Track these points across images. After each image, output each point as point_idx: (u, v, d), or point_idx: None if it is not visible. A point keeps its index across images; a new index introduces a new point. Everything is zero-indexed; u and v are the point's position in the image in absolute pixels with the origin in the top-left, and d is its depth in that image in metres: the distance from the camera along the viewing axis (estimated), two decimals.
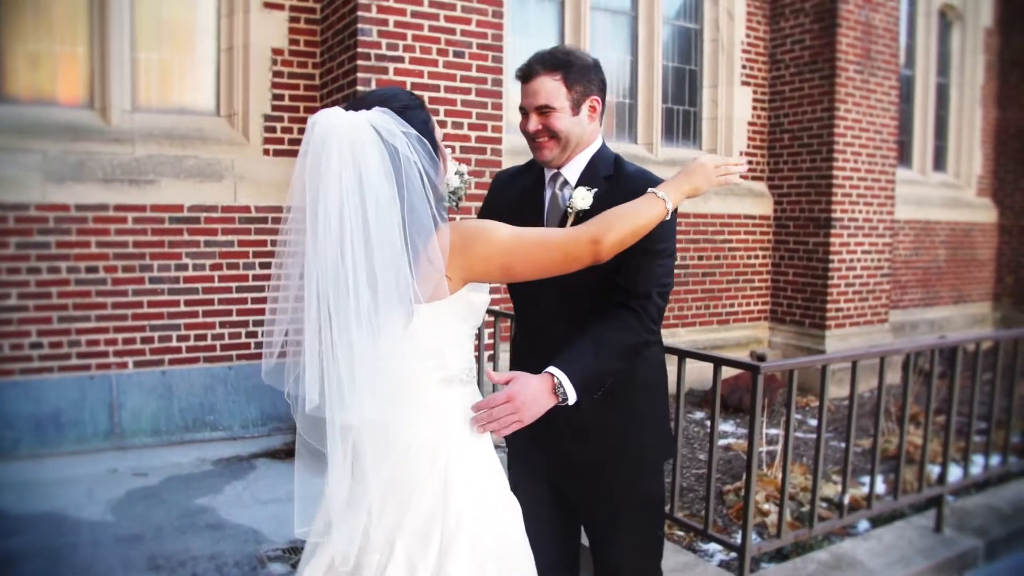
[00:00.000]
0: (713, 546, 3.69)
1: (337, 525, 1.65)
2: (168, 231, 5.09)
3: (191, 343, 5.21)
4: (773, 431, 5.60)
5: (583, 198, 2.00)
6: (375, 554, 1.64)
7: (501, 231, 1.69)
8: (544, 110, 2.00)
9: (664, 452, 2.25)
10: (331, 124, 1.53)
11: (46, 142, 4.80)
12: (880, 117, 7.36)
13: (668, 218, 1.86)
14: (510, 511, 1.79)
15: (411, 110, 1.65)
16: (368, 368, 1.57)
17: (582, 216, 1.97)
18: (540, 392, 1.76)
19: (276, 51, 5.43)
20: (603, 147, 2.13)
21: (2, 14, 4.85)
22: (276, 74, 5.44)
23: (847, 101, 7.10)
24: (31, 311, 4.75)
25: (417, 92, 4.91)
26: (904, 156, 8.93)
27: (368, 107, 1.61)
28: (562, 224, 2.03)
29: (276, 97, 5.45)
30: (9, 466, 4.56)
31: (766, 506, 4.16)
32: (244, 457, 5.03)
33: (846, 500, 3.25)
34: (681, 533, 3.75)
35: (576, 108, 2.03)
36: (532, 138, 2.06)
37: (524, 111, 2.06)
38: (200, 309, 5.23)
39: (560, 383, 1.78)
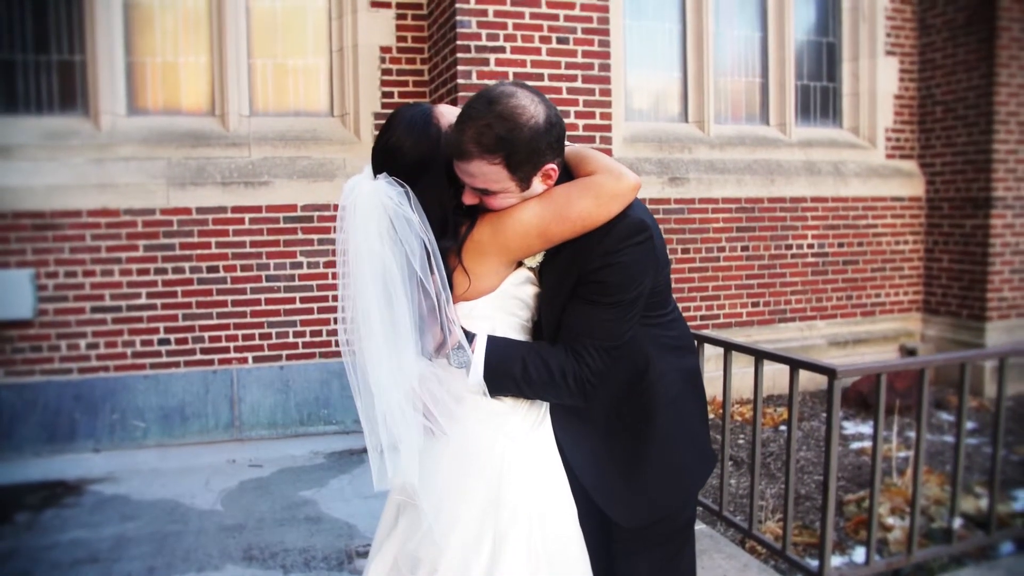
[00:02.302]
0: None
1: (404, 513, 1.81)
2: (283, 230, 5.26)
3: (307, 339, 5.37)
4: (914, 434, 5.09)
5: (533, 256, 1.80)
6: (431, 547, 1.72)
7: (527, 210, 1.71)
8: (484, 192, 1.69)
9: (698, 473, 2.01)
10: (354, 188, 1.72)
11: (170, 149, 5.08)
12: None
13: (624, 258, 1.70)
14: (567, 509, 1.82)
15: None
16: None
17: (537, 271, 1.82)
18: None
19: (384, 49, 5.48)
20: None
21: (133, 32, 5.18)
22: (385, 72, 5.50)
23: (1010, 65, 6.32)
24: (159, 309, 5.05)
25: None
26: None
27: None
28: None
29: (385, 95, 5.51)
30: (138, 454, 4.87)
31: (890, 520, 3.75)
32: (355, 451, 5.12)
33: (956, 524, 2.84)
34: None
35: (526, 183, 1.70)
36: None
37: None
38: (315, 306, 5.37)
39: (467, 343, 1.70)
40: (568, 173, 1.79)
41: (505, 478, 1.74)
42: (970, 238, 6.59)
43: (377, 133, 1.80)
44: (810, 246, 6.65)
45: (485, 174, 1.65)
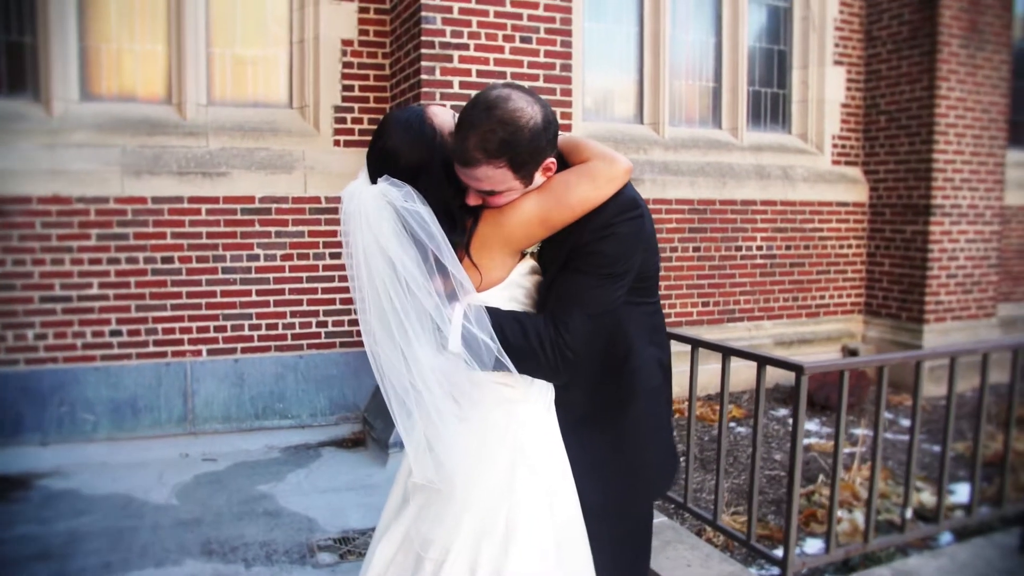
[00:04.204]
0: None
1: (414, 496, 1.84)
2: (240, 222, 5.19)
3: (263, 332, 5.31)
4: (860, 431, 5.28)
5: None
6: (441, 529, 1.76)
7: (529, 201, 1.77)
8: (489, 193, 1.74)
9: (664, 472, 2.06)
10: (355, 195, 1.75)
11: (125, 136, 4.97)
12: (988, 95, 6.82)
13: (621, 235, 1.77)
14: (572, 493, 1.88)
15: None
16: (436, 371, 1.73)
17: (535, 255, 1.88)
18: None
19: (346, 42, 5.45)
20: None
21: (87, 17, 5.05)
22: (346, 65, 5.47)
23: (950, 79, 6.60)
24: (111, 300, 4.94)
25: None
26: (1020, 137, 8.26)
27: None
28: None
29: (346, 88, 5.48)
30: (87, 448, 4.76)
31: (839, 512, 3.89)
32: (311, 445, 5.10)
33: (908, 514, 2.97)
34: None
35: (529, 180, 1.75)
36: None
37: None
38: (271, 299, 5.32)
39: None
40: (562, 161, 1.85)
41: (518, 461, 1.79)
42: (910, 243, 6.85)
43: (370, 138, 1.82)
44: (759, 248, 6.83)
45: (491, 177, 1.70)
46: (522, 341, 1.75)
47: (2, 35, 4.89)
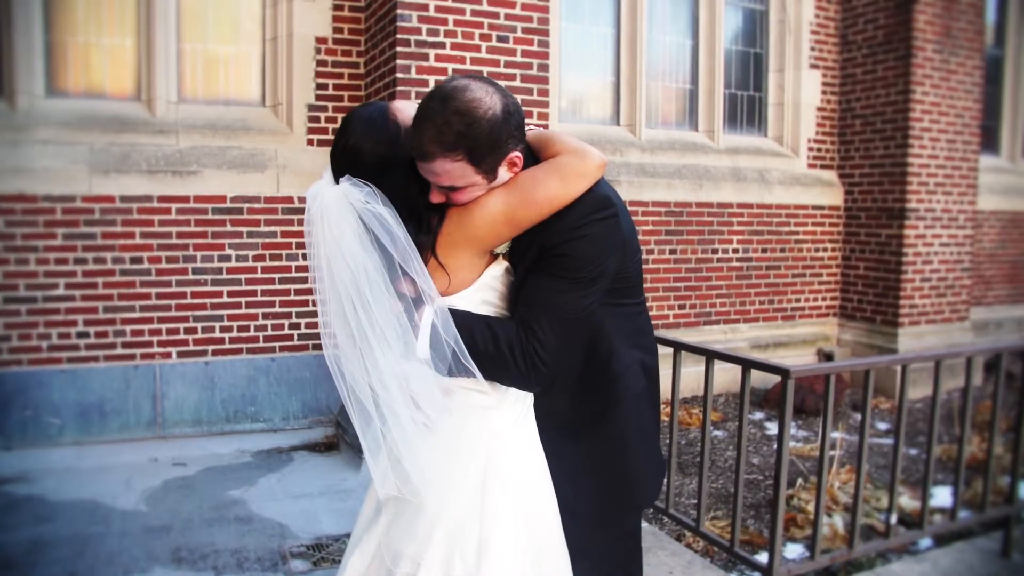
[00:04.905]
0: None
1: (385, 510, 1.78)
2: (211, 222, 5.09)
3: (234, 334, 5.21)
4: (837, 434, 5.28)
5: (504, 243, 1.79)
6: (414, 542, 1.69)
7: (493, 198, 1.69)
8: (451, 188, 1.67)
9: (649, 482, 1.99)
10: (318, 196, 1.69)
11: (93, 134, 4.85)
12: (962, 100, 6.88)
13: (590, 246, 1.69)
14: (550, 507, 1.82)
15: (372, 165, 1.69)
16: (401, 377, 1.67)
17: (506, 256, 1.80)
18: None
19: (320, 40, 5.37)
20: None
21: (54, 9, 4.92)
22: (320, 63, 5.39)
23: (924, 83, 6.65)
24: (78, 301, 4.82)
25: None
26: (991, 142, 8.36)
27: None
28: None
29: (320, 87, 5.40)
30: (52, 453, 4.63)
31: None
32: (284, 449, 5.00)
33: (893, 520, 2.96)
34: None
35: (492, 176, 1.67)
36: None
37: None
38: (243, 300, 5.22)
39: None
40: (533, 156, 1.77)
41: (491, 474, 1.72)
42: (885, 247, 6.89)
43: (334, 136, 1.75)
44: (735, 251, 6.83)
45: (449, 171, 1.62)
46: (492, 348, 1.67)
47: None
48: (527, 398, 1.84)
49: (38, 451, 4.63)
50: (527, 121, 1.80)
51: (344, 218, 1.62)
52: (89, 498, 4.15)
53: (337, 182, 1.67)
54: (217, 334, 5.16)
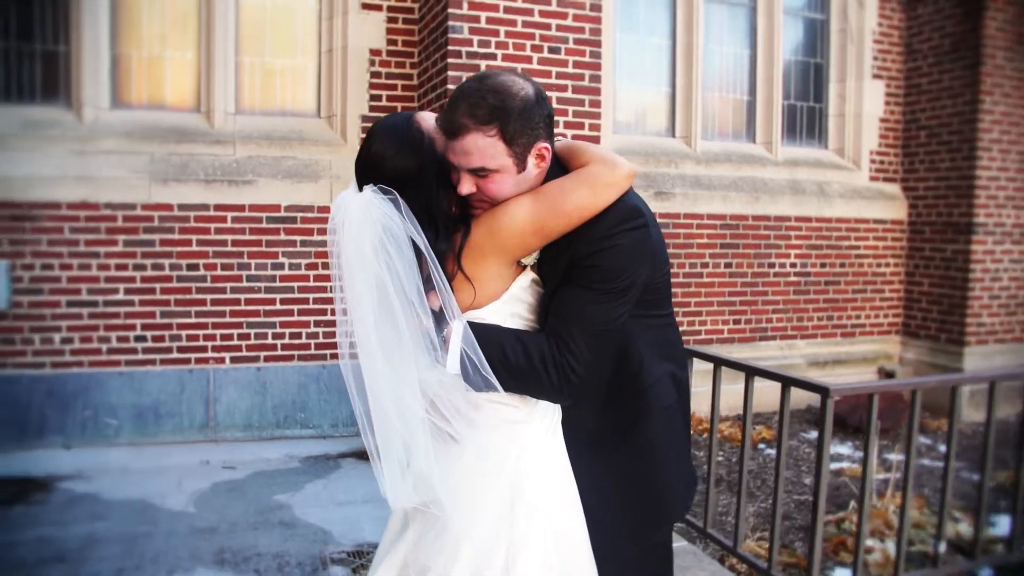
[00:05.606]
0: None
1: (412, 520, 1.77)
2: (265, 230, 5.19)
3: (286, 341, 5.30)
4: (894, 456, 5.10)
5: (531, 254, 1.77)
6: (439, 558, 1.68)
7: (521, 207, 1.68)
8: (481, 172, 1.64)
9: (681, 496, 1.96)
10: (342, 205, 1.69)
11: (154, 144, 5.01)
12: None
13: (622, 246, 1.66)
14: (578, 522, 1.79)
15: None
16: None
17: (535, 268, 1.78)
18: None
19: (374, 52, 5.45)
20: None
21: (120, 24, 5.11)
22: (374, 75, 5.47)
23: (994, 92, 6.41)
24: (136, 306, 4.97)
25: None
26: None
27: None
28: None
29: (374, 98, 5.48)
30: (109, 452, 4.78)
31: (869, 541, 3.74)
32: (332, 456, 5.05)
33: (942, 547, 2.83)
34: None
35: (521, 163, 1.66)
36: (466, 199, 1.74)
37: (453, 166, 1.69)
38: (295, 308, 5.30)
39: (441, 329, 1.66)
40: (561, 167, 1.76)
41: (518, 490, 1.70)
42: (951, 263, 6.65)
43: (360, 144, 1.76)
44: (792, 265, 6.68)
45: (481, 148, 1.61)
46: (524, 362, 1.66)
47: (38, 44, 4.97)
48: (556, 411, 1.81)
49: (96, 450, 4.79)
50: (556, 133, 1.79)
51: (363, 228, 1.62)
52: (141, 497, 4.26)
53: (361, 190, 1.67)
54: (269, 340, 5.26)
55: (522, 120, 1.62)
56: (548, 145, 1.69)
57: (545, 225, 1.65)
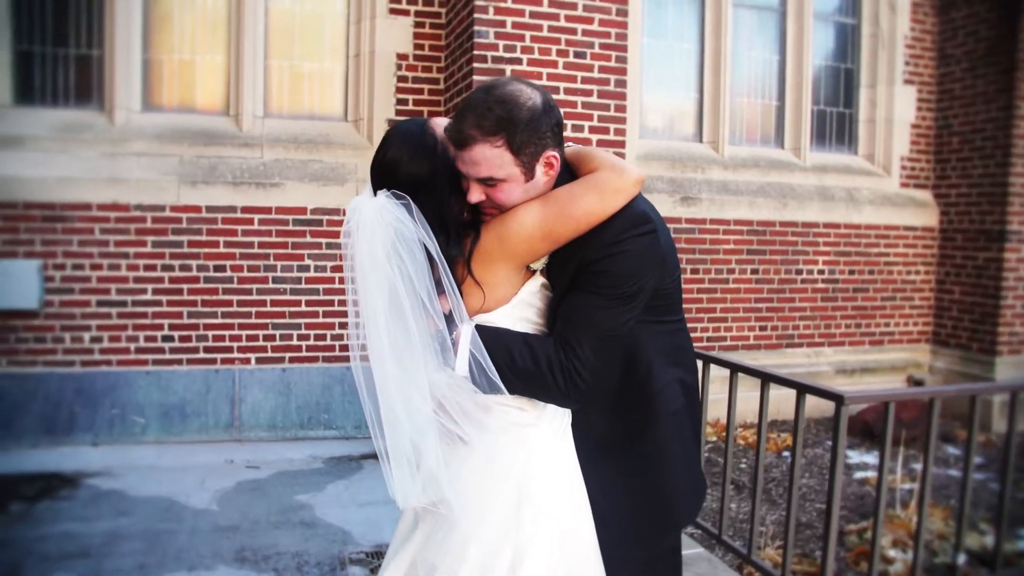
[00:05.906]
0: None
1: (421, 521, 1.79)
2: (292, 233, 5.25)
3: (311, 342, 5.34)
4: (920, 466, 5.01)
5: (540, 259, 1.78)
6: (449, 557, 1.70)
7: (530, 213, 1.69)
8: (489, 182, 1.65)
9: (689, 503, 1.95)
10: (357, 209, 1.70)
11: (183, 147, 5.09)
12: None
13: (630, 252, 1.66)
14: (586, 525, 1.80)
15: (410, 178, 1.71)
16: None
17: (544, 273, 1.79)
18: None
19: (401, 56, 5.49)
20: None
21: (152, 29, 5.20)
22: (400, 79, 5.50)
23: None
24: (164, 306, 5.04)
25: None
26: None
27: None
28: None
29: (400, 102, 5.51)
30: (135, 450, 4.86)
31: (892, 552, 3.69)
32: (354, 457, 5.09)
33: (960, 559, 2.78)
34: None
35: (529, 172, 1.67)
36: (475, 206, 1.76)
37: (462, 175, 1.71)
38: (320, 310, 5.35)
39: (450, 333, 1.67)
40: (571, 173, 1.77)
41: (525, 492, 1.72)
42: (983, 271, 6.53)
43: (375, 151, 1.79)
44: (820, 272, 6.61)
45: (489, 159, 1.62)
46: (531, 366, 1.67)
47: (72, 48, 5.07)
48: (565, 415, 1.82)
49: (123, 447, 4.87)
50: (580, 139, 1.80)
51: (376, 233, 1.64)
52: (165, 495, 4.31)
53: (375, 195, 1.69)
54: (295, 342, 5.31)
55: (529, 130, 1.63)
56: (556, 153, 1.70)
57: (553, 230, 1.67)
